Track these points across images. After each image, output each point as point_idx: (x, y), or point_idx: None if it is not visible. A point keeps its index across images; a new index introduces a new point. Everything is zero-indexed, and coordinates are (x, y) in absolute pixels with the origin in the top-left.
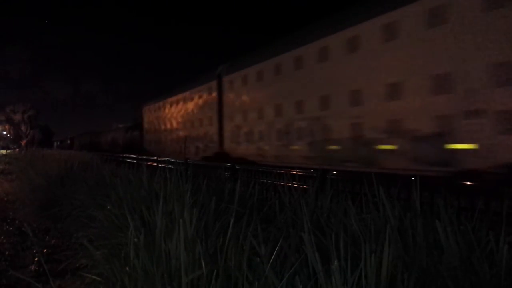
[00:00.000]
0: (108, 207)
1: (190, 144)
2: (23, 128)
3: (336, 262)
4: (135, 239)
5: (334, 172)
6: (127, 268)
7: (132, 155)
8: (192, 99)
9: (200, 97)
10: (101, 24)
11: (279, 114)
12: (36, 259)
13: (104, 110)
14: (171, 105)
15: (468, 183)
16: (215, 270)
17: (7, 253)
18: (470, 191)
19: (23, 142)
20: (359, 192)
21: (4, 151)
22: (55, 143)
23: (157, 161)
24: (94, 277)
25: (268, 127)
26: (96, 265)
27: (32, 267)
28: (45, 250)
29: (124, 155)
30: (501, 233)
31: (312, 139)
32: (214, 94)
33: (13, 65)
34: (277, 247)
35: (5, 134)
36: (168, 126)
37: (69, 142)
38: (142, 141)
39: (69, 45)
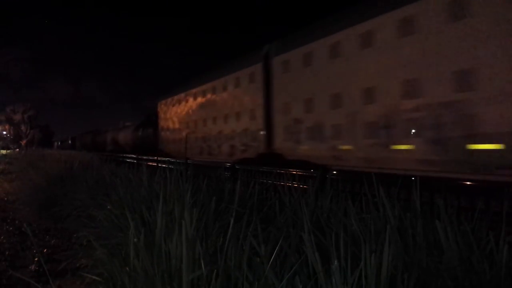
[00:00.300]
0: (108, 207)
1: (223, 143)
2: (23, 128)
3: (336, 262)
4: (135, 239)
5: (334, 172)
6: (127, 268)
7: (133, 155)
8: (224, 89)
9: (236, 85)
10: (101, 24)
11: (371, 100)
12: (36, 259)
13: (104, 110)
14: (195, 97)
15: (468, 183)
16: (215, 270)
17: (7, 253)
18: (470, 191)
19: (23, 142)
20: (359, 192)
21: (4, 151)
22: (56, 143)
23: (157, 161)
24: (94, 277)
25: (351, 119)
26: (96, 265)
27: (32, 267)
28: (45, 250)
29: (124, 155)
30: (501, 233)
31: (438, 135)
32: (259, 80)
33: (13, 65)
34: (277, 247)
35: (5, 134)
36: (192, 122)
37: (70, 142)
38: (157, 140)
39: (69, 45)
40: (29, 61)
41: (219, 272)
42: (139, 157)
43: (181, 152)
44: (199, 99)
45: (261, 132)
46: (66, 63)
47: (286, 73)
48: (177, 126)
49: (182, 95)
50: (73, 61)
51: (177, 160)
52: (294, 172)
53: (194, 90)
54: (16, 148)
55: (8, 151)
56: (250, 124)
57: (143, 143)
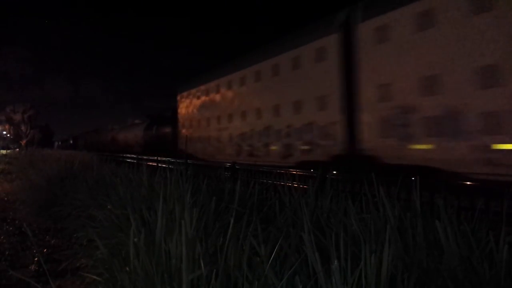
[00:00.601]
0: (109, 206)
1: (273, 141)
2: (23, 128)
3: (336, 262)
4: (135, 239)
5: (334, 172)
6: (127, 268)
7: (133, 156)
8: (274, 73)
9: (294, 66)
10: (101, 24)
11: None
12: (36, 259)
13: (104, 110)
14: (230, 86)
15: (468, 183)
16: (215, 270)
17: (7, 253)
18: (470, 191)
19: (23, 142)
20: (359, 192)
21: (4, 151)
22: (56, 143)
23: (157, 161)
24: (94, 277)
25: None
26: (96, 265)
27: (32, 267)
28: (45, 250)
29: (124, 155)
30: (501, 233)
31: None
32: (333, 57)
33: (13, 65)
34: (277, 247)
35: (5, 134)
36: (225, 116)
37: (72, 141)
38: (176, 139)
39: (69, 45)
40: (29, 61)
41: (219, 272)
42: (139, 157)
43: (211, 154)
44: (236, 88)
45: (338, 126)
46: (66, 63)
47: (383, 43)
48: (204, 121)
49: (212, 84)
50: (73, 61)
51: (177, 160)
52: (294, 172)
53: (229, 77)
54: (16, 148)
55: (8, 151)
56: (317, 116)
57: (158, 142)
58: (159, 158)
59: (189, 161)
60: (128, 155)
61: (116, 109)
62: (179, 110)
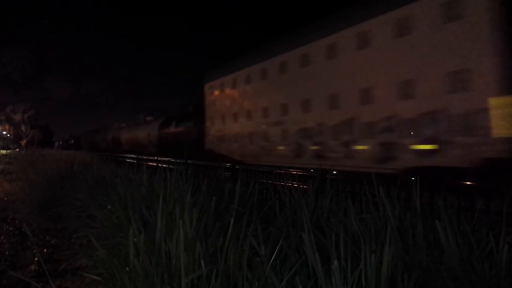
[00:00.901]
0: (109, 207)
1: (357, 139)
2: (23, 128)
3: (336, 262)
4: (135, 239)
5: (334, 172)
6: (127, 268)
7: (133, 155)
8: (363, 44)
9: (399, 32)
10: (101, 24)
11: None
12: (36, 259)
13: (104, 110)
14: (283, 68)
15: (468, 183)
16: (215, 270)
17: (7, 253)
18: (470, 191)
19: (23, 142)
20: (359, 192)
21: (4, 151)
22: (56, 143)
23: (157, 161)
24: (94, 277)
25: None
26: (96, 265)
27: (32, 267)
28: (45, 250)
29: (124, 155)
30: (501, 233)
31: None
32: (478, 11)
33: (13, 65)
34: (277, 247)
35: (5, 134)
36: (275, 107)
37: (73, 141)
38: (202, 138)
39: (70, 45)
40: (29, 61)
41: (219, 272)
42: (139, 157)
43: (253, 155)
44: (294, 70)
45: (493, 115)
46: (66, 63)
47: None
48: (244, 115)
49: (256, 68)
50: (73, 61)
51: (178, 161)
52: (294, 172)
53: (281, 57)
54: (16, 148)
55: (8, 151)
56: (449, 101)
57: (178, 141)
58: (158, 158)
59: (189, 161)
60: (128, 155)
61: (116, 109)
62: (206, 103)
